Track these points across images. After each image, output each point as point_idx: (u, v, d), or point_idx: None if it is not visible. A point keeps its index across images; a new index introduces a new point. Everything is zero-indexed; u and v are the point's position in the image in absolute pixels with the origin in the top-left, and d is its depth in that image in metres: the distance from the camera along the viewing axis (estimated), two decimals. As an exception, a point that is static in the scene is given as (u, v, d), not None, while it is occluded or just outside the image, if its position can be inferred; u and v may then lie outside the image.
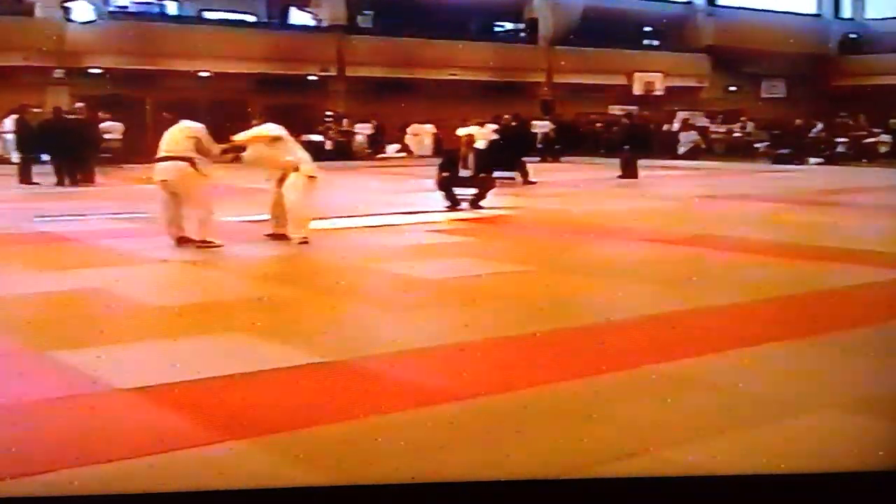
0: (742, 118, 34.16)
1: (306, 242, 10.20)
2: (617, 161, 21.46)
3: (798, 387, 5.28)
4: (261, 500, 3.83)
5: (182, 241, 10.08)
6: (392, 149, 29.48)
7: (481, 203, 14.30)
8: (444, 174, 14.49)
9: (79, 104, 21.19)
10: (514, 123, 21.46)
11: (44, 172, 18.82)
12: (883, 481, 3.77)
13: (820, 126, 30.90)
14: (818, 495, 3.64)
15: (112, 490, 3.91)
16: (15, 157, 19.39)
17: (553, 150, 27.39)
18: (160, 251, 9.95)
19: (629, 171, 20.85)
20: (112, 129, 22.70)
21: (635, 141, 21.97)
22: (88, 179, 18.62)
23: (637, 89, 33.73)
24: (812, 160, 27.55)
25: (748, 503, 3.69)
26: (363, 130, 29.64)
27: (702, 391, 5.20)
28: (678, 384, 5.25)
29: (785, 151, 28.11)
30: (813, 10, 40.75)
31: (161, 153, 10.25)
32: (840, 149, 29.33)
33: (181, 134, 10.20)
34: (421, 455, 4.23)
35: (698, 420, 4.73)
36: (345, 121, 29.65)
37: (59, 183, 18.31)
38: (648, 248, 10.69)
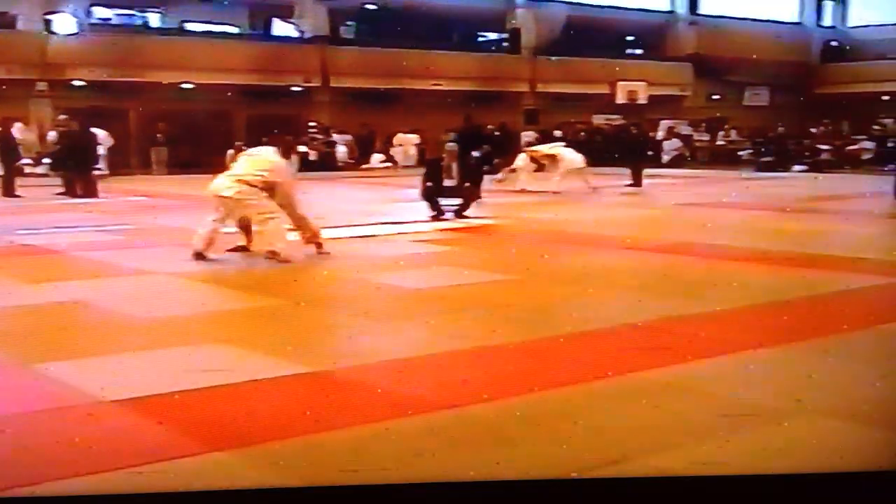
0: (725, 126, 34.28)
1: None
2: (602, 170, 21.55)
3: (785, 392, 5.28)
4: (259, 501, 3.82)
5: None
6: (376, 159, 29.45)
7: (466, 213, 14.31)
8: (429, 184, 14.47)
9: (62, 116, 21.09)
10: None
11: (27, 185, 18.75)
12: (883, 481, 3.77)
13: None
14: (818, 495, 3.64)
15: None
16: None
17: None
18: (145, 263, 9.92)
19: (636, 179, 21.23)
20: (101, 141, 22.52)
21: (639, 150, 22.33)
22: (92, 192, 18.53)
23: (620, 98, 33.83)
24: (796, 167, 27.72)
25: (747, 503, 3.69)
26: (342, 141, 29.54)
27: (689, 397, 5.19)
28: (665, 391, 5.25)
29: (768, 159, 28.26)
30: (795, 19, 40.97)
31: None
32: (823, 156, 29.52)
33: (252, 162, 10.21)
34: (406, 464, 4.22)
35: (686, 426, 4.72)
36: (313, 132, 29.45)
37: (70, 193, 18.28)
38: (634, 256, 10.71)
